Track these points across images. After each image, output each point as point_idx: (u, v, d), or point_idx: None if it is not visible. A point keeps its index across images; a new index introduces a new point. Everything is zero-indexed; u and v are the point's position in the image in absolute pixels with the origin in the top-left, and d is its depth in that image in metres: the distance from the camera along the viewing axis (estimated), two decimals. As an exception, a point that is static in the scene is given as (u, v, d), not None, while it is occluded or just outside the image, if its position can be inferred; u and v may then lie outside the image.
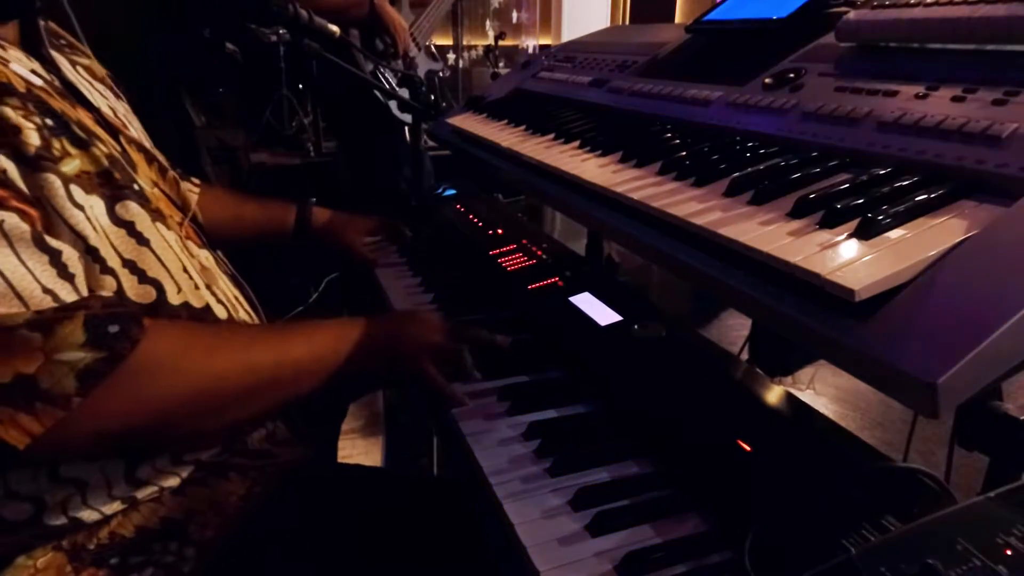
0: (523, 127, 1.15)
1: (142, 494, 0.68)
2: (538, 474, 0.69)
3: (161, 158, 0.84)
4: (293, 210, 1.19)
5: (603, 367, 0.86)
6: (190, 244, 0.79)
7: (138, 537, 0.67)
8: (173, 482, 0.70)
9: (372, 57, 2.07)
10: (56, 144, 0.62)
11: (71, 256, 0.59)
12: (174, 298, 0.70)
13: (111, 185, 0.67)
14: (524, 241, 1.26)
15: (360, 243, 1.24)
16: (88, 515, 0.64)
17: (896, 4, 0.78)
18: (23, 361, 0.52)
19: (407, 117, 2.23)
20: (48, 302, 0.54)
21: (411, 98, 1.53)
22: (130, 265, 0.66)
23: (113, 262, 0.64)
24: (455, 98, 4.20)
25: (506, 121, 1.24)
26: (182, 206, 0.83)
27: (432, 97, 1.55)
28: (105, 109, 0.77)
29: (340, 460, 1.24)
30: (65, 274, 0.57)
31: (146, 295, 0.67)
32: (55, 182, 0.60)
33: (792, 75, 0.84)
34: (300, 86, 3.31)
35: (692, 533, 0.61)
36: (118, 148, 0.73)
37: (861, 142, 0.67)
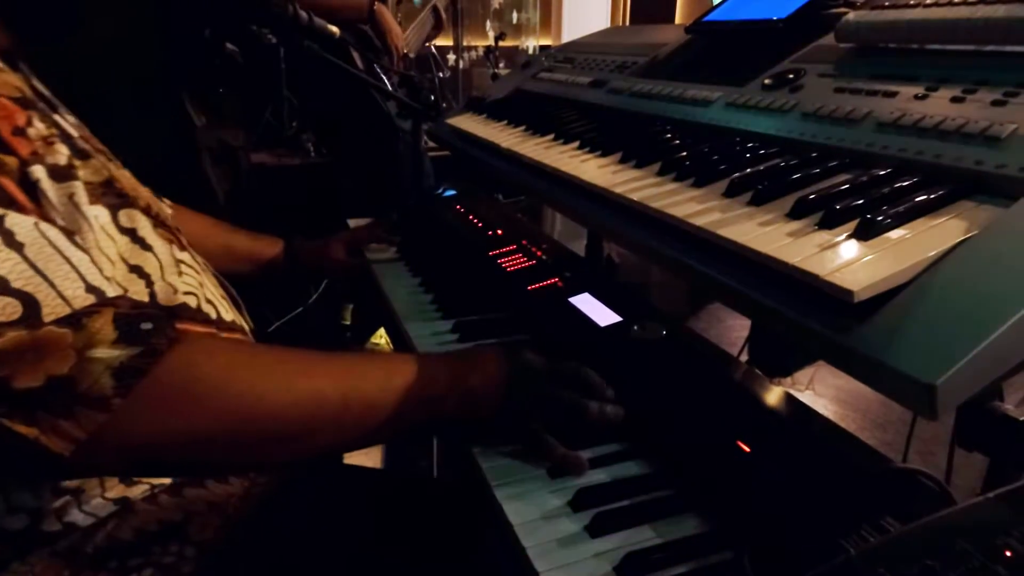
0: (523, 128, 1.15)
1: (134, 493, 0.67)
2: (537, 475, 0.69)
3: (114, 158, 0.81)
4: (280, 244, 1.20)
5: (603, 368, 0.86)
6: (174, 248, 0.76)
7: (137, 539, 0.66)
8: (165, 480, 0.69)
9: (370, 57, 2.09)
10: None
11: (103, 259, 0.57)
12: (180, 300, 0.69)
13: (113, 194, 0.66)
14: (524, 241, 1.26)
15: (339, 262, 1.26)
16: (83, 519, 0.64)
17: (895, 5, 0.78)
18: (55, 361, 0.49)
19: (406, 124, 2.26)
20: (90, 299, 0.51)
21: (410, 99, 1.53)
22: (137, 270, 0.65)
23: (120, 268, 0.63)
24: (455, 99, 4.20)
25: (506, 122, 1.24)
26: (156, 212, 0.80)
27: (432, 98, 1.56)
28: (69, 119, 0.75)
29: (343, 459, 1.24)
30: (103, 277, 0.54)
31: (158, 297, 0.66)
32: (80, 188, 0.60)
33: (792, 76, 0.84)
34: (299, 87, 3.30)
35: (692, 533, 0.61)
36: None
37: (860, 143, 0.67)
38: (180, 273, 0.71)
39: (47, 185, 0.56)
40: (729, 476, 0.66)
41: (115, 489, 0.66)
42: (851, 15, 0.82)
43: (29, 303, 0.48)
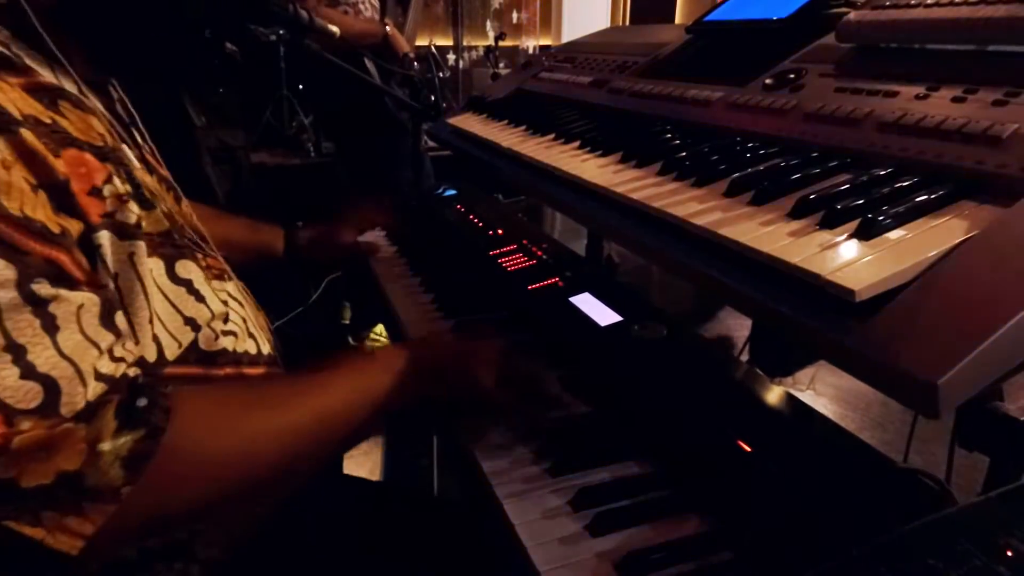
0: (523, 127, 1.15)
1: None
2: (538, 474, 0.69)
3: (175, 186, 0.80)
4: (281, 234, 1.18)
5: (603, 367, 0.86)
6: (226, 279, 0.76)
7: (140, 556, 0.64)
8: None
9: (376, 60, 2.14)
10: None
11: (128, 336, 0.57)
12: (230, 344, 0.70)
13: (171, 245, 0.66)
14: (524, 241, 1.26)
15: (350, 245, 1.25)
16: None
17: (896, 5, 0.78)
18: (65, 457, 0.47)
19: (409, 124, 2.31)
20: (100, 388, 0.50)
21: (411, 98, 1.53)
22: (191, 323, 0.66)
23: (172, 323, 0.64)
24: (455, 99, 4.20)
25: (506, 121, 1.24)
26: (202, 236, 0.78)
27: (432, 98, 1.56)
28: (142, 143, 0.75)
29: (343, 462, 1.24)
30: (115, 358, 0.53)
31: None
32: (142, 247, 0.60)
33: (793, 75, 0.84)
34: (300, 86, 3.31)
35: (692, 533, 0.61)
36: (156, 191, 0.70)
37: (861, 142, 0.67)
38: (227, 318, 0.72)
39: (108, 250, 0.56)
40: (729, 476, 0.66)
41: None
42: (852, 15, 0.82)
43: (51, 389, 0.47)
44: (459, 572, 0.77)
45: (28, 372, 0.46)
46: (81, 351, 0.49)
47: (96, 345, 0.51)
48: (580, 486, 0.66)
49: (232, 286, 0.79)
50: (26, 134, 0.51)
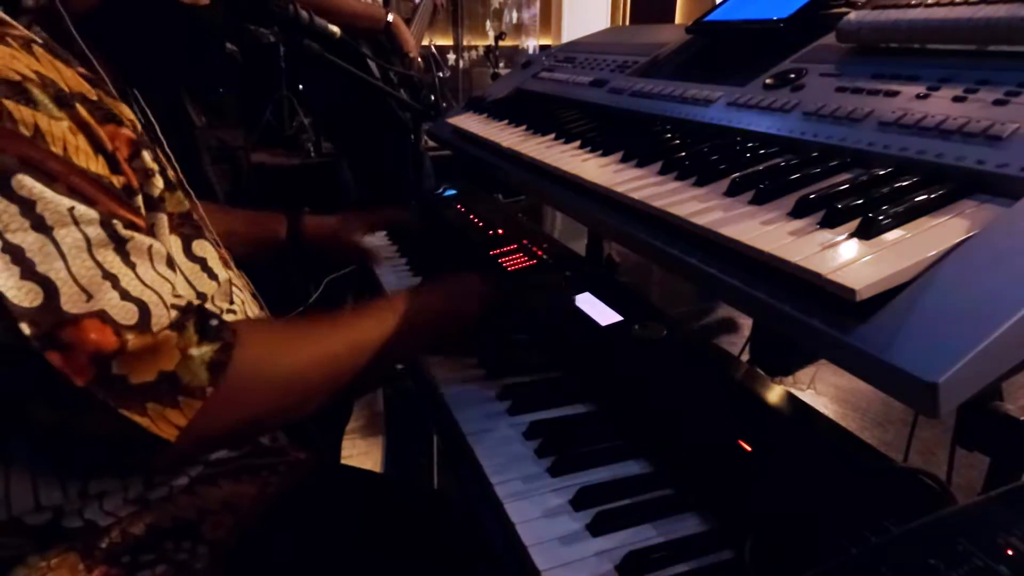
0: (524, 127, 1.15)
1: (154, 495, 0.69)
2: (539, 474, 0.69)
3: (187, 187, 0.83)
4: (283, 220, 1.16)
5: (604, 367, 0.86)
6: (230, 270, 0.80)
7: (149, 535, 0.68)
8: (182, 481, 0.71)
9: (378, 60, 2.11)
10: None
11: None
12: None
13: (190, 225, 0.73)
14: (524, 241, 1.26)
15: (359, 242, 1.24)
16: (103, 519, 0.65)
17: (897, 5, 0.78)
18: (165, 359, 0.57)
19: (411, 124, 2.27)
20: (176, 314, 0.60)
21: (411, 99, 1.53)
22: (202, 297, 0.70)
23: (187, 296, 0.67)
24: (455, 98, 4.20)
25: (507, 121, 1.24)
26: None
27: (432, 97, 1.56)
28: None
29: (341, 460, 1.24)
30: (176, 294, 0.62)
31: None
32: (164, 221, 0.67)
33: (793, 75, 0.84)
34: (300, 86, 3.30)
35: (692, 533, 0.61)
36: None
37: (862, 142, 0.67)
38: (232, 299, 0.77)
39: (143, 213, 0.65)
40: (730, 475, 0.66)
41: (135, 489, 0.67)
42: (852, 15, 0.82)
43: (144, 311, 0.57)
44: (459, 572, 0.77)
45: (125, 295, 0.56)
46: (159, 283, 0.59)
47: (168, 280, 0.60)
48: (580, 485, 0.66)
49: (231, 273, 0.81)
50: (80, 109, 0.58)
